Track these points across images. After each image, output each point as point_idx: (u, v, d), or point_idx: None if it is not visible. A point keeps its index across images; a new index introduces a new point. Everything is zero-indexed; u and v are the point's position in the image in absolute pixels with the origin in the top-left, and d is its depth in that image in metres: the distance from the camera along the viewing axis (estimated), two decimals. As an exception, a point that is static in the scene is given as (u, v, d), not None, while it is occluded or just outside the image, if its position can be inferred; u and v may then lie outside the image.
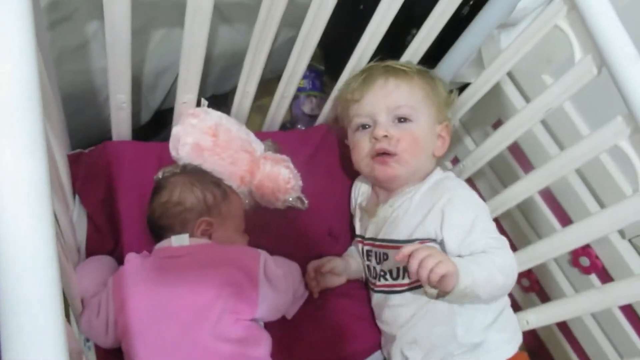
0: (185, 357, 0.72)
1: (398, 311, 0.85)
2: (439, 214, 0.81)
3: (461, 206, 0.82)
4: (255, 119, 1.09)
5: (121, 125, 0.89)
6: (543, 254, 0.90)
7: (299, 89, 1.30)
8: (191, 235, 0.80)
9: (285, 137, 1.03)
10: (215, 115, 0.91)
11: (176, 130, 0.90)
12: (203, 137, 0.88)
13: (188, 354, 0.72)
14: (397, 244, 0.86)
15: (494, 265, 0.76)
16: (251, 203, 0.94)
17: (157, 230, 0.84)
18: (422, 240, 0.82)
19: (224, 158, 0.89)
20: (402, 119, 0.89)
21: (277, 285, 0.80)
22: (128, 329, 0.74)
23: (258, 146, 0.95)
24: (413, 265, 0.69)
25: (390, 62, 0.95)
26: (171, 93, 1.00)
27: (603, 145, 0.72)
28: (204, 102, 0.92)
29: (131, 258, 0.81)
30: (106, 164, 0.91)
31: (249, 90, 0.93)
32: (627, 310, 1.04)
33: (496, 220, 1.22)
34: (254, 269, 0.78)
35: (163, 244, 0.81)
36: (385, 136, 0.88)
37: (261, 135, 0.99)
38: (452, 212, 0.81)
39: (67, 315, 0.78)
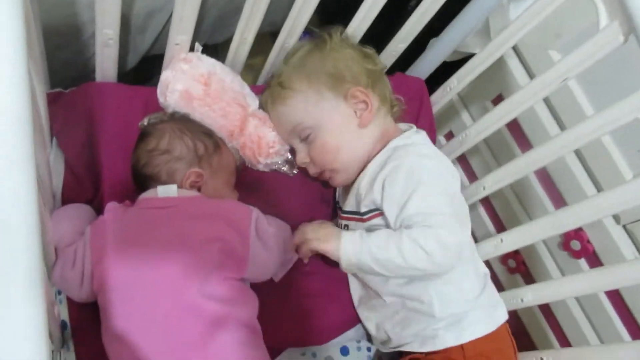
0: (169, 314, 0.67)
1: (365, 280, 0.86)
2: (380, 185, 0.79)
3: (403, 177, 0.77)
4: (245, 78, 1.04)
5: (106, 64, 0.83)
6: (535, 234, 0.88)
7: (294, 51, 1.24)
8: (179, 187, 0.75)
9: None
10: (209, 62, 0.85)
11: (165, 75, 0.84)
12: (194, 84, 0.82)
13: (171, 311, 0.67)
14: (353, 215, 0.85)
15: (397, 247, 0.73)
16: (242, 160, 0.89)
17: (141, 180, 0.79)
18: (371, 211, 0.81)
19: (214, 110, 0.83)
20: (305, 137, 0.86)
21: (268, 244, 0.76)
22: (106, 282, 0.69)
23: (252, 101, 0.89)
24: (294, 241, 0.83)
25: (273, 80, 0.90)
26: (161, 37, 0.93)
27: (624, 118, 0.69)
28: (197, 47, 0.86)
29: (112, 207, 0.76)
30: (88, 106, 0.85)
31: (247, 38, 0.87)
32: (613, 295, 1.03)
33: (486, 199, 1.21)
34: (245, 226, 0.74)
35: (148, 194, 0.76)
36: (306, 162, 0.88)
37: (257, 90, 0.93)
38: (391, 184, 0.77)
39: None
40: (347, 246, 0.77)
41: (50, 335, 0.67)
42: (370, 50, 0.92)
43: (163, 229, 0.71)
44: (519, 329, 1.25)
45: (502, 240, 0.93)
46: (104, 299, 0.69)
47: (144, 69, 1.04)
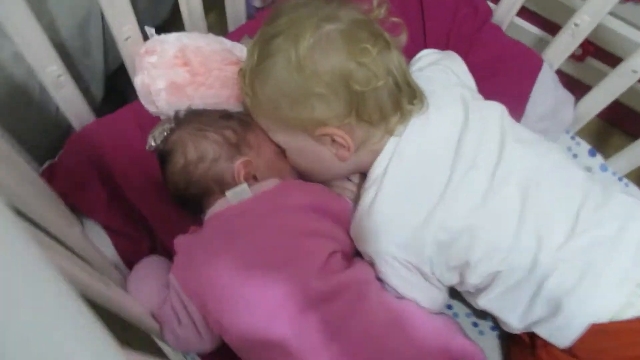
0: (299, 304, 0.59)
1: None
2: None
3: None
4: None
5: (72, 106, 0.71)
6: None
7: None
8: (235, 182, 0.65)
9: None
10: (173, 38, 0.71)
11: (139, 80, 0.70)
12: (174, 72, 0.69)
13: (301, 300, 0.59)
14: None
15: None
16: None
17: (192, 202, 0.68)
18: None
19: (211, 84, 0.70)
20: None
21: None
22: (224, 318, 0.60)
23: (239, 51, 0.75)
24: None
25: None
26: (108, 43, 0.79)
27: None
28: (150, 31, 0.72)
29: (182, 241, 0.66)
30: (87, 160, 0.74)
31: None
32: None
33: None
34: (346, 216, 0.67)
35: (216, 208, 0.65)
36: None
37: (234, 36, 0.78)
38: None
39: (129, 344, 0.65)
40: None
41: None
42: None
43: (260, 230, 0.62)
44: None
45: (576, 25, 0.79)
46: (229, 336, 0.61)
47: (116, 93, 0.91)
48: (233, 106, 0.73)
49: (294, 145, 0.67)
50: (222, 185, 0.65)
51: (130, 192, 0.73)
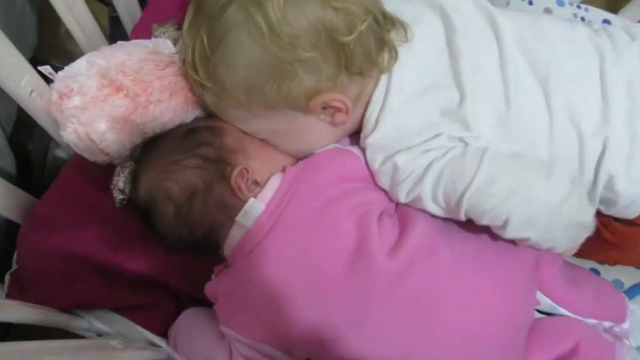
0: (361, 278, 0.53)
1: None
2: None
3: None
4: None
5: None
6: None
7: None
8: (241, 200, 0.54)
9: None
10: (84, 66, 0.55)
11: (71, 133, 0.55)
12: (110, 105, 0.54)
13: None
14: None
15: None
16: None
17: (203, 245, 0.57)
18: None
19: (158, 99, 0.56)
20: None
21: None
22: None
23: (165, 47, 0.60)
24: None
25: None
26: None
27: None
28: (46, 69, 0.55)
29: (216, 288, 0.57)
30: (55, 249, 0.60)
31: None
32: None
33: None
34: (363, 168, 0.57)
35: (234, 238, 0.54)
36: None
37: (140, 32, 0.64)
38: None
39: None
40: None
41: None
42: None
43: (302, 245, 0.52)
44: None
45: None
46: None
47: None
48: (192, 113, 0.60)
49: (278, 129, 0.57)
50: (229, 211, 0.54)
51: (123, 259, 0.61)
